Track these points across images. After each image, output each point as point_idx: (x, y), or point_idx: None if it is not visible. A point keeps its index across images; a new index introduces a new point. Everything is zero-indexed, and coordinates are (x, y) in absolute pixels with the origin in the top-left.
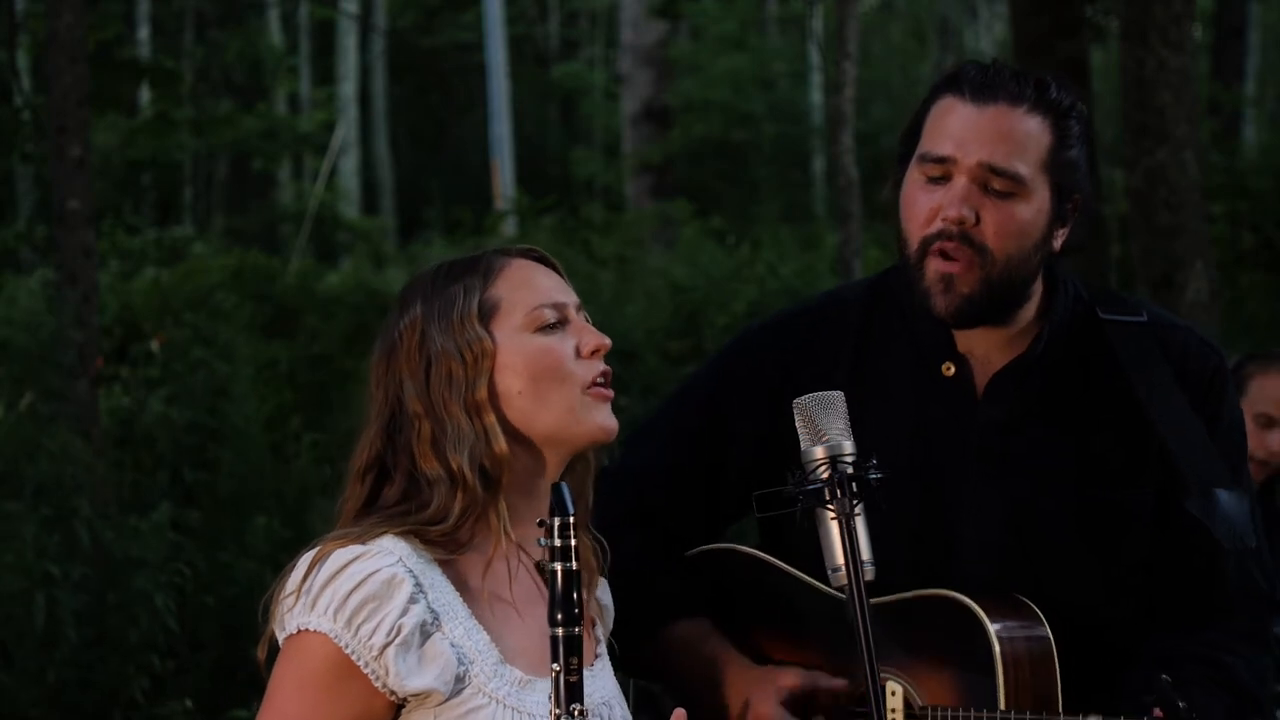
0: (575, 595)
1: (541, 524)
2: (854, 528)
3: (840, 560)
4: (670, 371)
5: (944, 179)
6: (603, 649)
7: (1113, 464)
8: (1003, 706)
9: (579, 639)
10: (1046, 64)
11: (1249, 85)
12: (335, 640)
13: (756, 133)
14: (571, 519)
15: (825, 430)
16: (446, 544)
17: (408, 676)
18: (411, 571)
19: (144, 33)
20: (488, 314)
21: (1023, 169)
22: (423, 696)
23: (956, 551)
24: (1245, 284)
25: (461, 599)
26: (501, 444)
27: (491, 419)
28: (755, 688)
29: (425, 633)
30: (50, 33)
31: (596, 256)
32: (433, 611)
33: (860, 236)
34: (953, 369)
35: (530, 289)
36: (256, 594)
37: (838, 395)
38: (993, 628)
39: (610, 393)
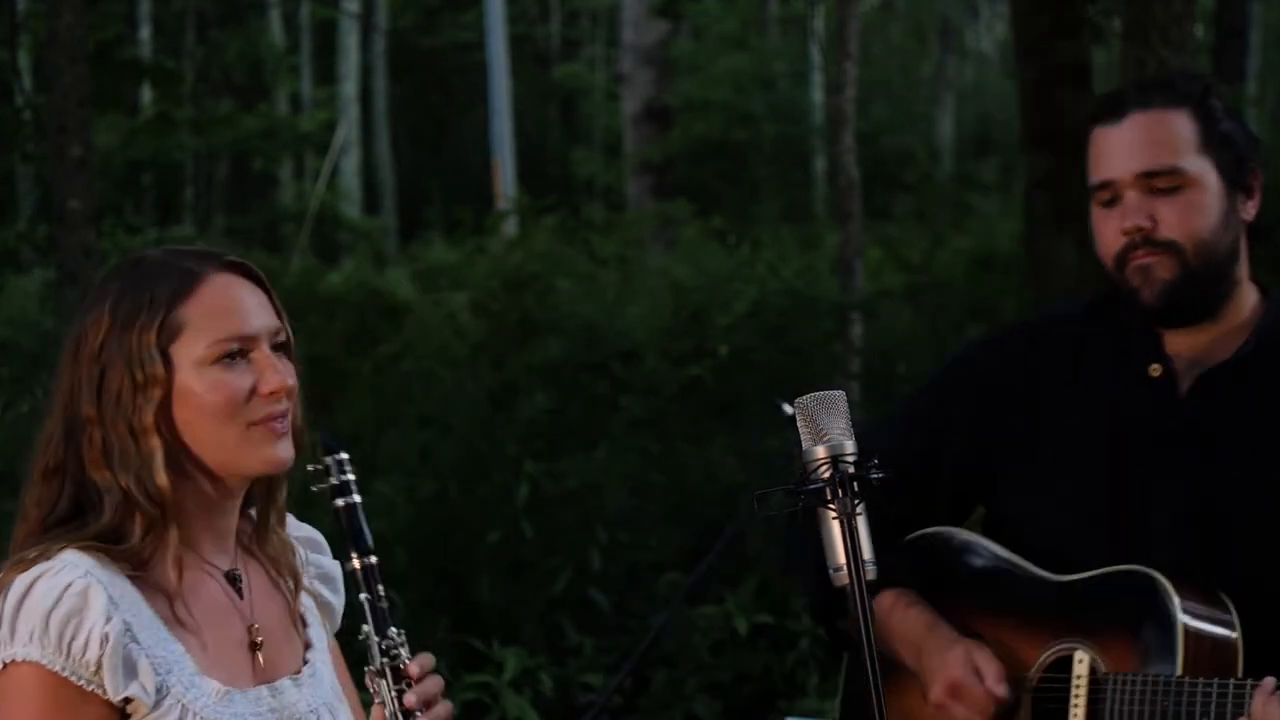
0: (364, 527)
1: (315, 469)
2: (855, 527)
3: (842, 560)
4: (672, 371)
5: (1115, 201)
6: (315, 655)
7: None
8: (1180, 674)
9: (377, 569)
10: (1048, 64)
11: (1250, 85)
12: (49, 667)
13: (757, 132)
14: (345, 455)
15: (827, 430)
16: (132, 560)
17: (120, 684)
18: (102, 582)
19: (145, 32)
20: (170, 336)
21: (1177, 161)
22: (134, 706)
23: (1147, 542)
24: None
25: (153, 611)
26: (160, 476)
27: (154, 445)
28: (951, 654)
29: (126, 644)
30: (51, 32)
31: (597, 256)
32: (127, 625)
33: (861, 237)
34: (1159, 370)
35: (219, 317)
36: None
37: (839, 395)
38: (1176, 600)
39: (282, 428)
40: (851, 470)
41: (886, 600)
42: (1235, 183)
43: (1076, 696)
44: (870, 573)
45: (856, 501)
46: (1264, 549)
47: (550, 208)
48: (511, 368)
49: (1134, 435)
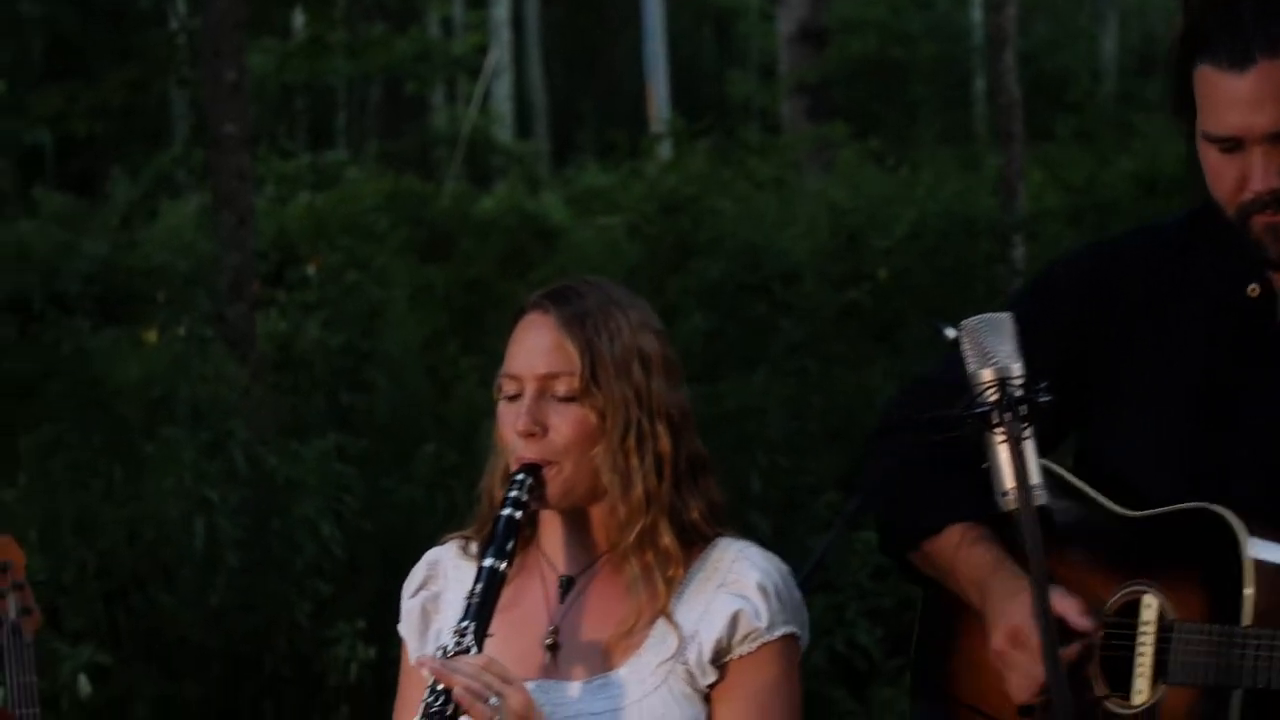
0: (511, 540)
1: (513, 479)
2: (1023, 450)
3: (1010, 484)
4: (830, 294)
5: (1236, 149)
6: (631, 667)
7: None
8: (1248, 623)
9: (503, 576)
10: None
11: None
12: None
13: (915, 52)
14: (530, 480)
15: (993, 352)
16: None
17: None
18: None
19: None
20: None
21: None
22: None
23: (1230, 472)
24: None
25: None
26: (494, 486)
27: (498, 458)
28: (1017, 600)
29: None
30: None
31: (754, 179)
32: (436, 601)
33: (1022, 158)
34: (1257, 290)
35: (510, 355)
36: (419, 520)
37: (1005, 317)
38: (1249, 541)
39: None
40: (1019, 393)
41: (955, 535)
42: None
43: (1142, 645)
44: (1041, 498)
45: (1025, 425)
46: None
47: (705, 131)
48: (669, 290)
49: (1223, 357)
